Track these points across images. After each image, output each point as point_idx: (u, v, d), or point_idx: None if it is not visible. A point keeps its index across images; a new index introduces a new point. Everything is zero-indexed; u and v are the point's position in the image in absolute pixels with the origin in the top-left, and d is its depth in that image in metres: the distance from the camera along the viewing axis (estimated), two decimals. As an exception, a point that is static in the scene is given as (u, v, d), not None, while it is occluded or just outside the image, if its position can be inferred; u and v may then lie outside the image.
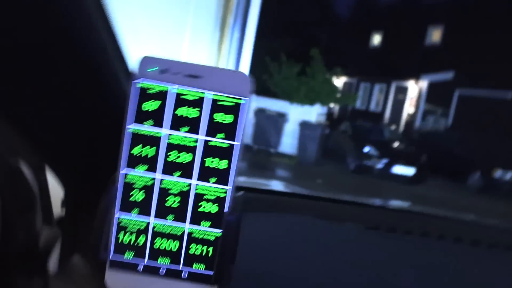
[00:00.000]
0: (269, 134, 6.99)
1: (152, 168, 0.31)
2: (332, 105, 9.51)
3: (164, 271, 0.32)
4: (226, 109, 0.31)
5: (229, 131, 0.31)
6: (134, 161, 0.31)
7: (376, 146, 7.05)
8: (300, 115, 7.36)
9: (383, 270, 0.61)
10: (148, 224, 0.32)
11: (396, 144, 7.79)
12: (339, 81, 10.74)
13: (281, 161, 6.62)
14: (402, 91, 11.50)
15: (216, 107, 0.31)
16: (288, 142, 7.06)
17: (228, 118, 0.31)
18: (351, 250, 0.65)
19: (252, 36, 3.55)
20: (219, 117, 0.31)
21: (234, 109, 0.31)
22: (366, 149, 6.99)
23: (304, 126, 7.08)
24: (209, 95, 0.31)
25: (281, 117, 7.19)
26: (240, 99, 0.31)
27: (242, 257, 0.55)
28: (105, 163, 0.36)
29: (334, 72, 8.25)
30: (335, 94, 8.44)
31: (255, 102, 7.22)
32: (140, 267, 0.32)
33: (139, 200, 0.32)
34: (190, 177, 0.31)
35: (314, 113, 7.73)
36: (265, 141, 7.00)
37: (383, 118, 11.55)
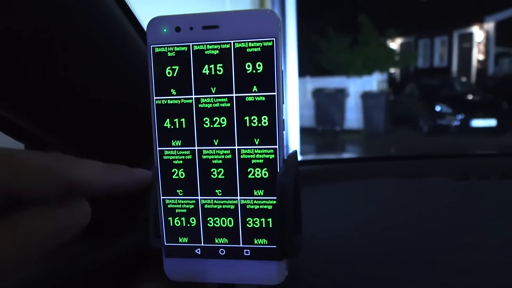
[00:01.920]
0: (331, 113, 6.78)
1: (188, 140, 0.28)
2: (392, 70, 9.04)
3: (224, 252, 0.29)
4: (254, 56, 0.27)
5: (263, 80, 0.27)
6: (168, 136, 0.28)
7: (448, 102, 6.57)
8: (359, 87, 7.07)
9: (480, 221, 0.53)
10: (196, 202, 0.29)
11: (470, 96, 7.19)
12: (394, 44, 10.18)
13: (349, 137, 6.40)
14: (467, 38, 10.59)
15: (243, 56, 0.27)
16: (353, 117, 6.82)
17: (259, 66, 0.27)
18: (439, 205, 0.58)
19: (294, 15, 3.45)
20: (249, 67, 0.27)
21: (264, 54, 0.27)
22: (438, 108, 6.54)
23: (366, 97, 6.78)
24: (232, 45, 0.27)
25: (340, 93, 6.95)
26: (268, 40, 0.26)
27: (317, 230, 0.51)
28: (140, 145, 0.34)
29: (388, 35, 7.83)
30: (393, 58, 8.02)
31: (311, 84, 7.06)
32: (198, 250, 0.29)
33: (182, 178, 0.29)
34: (231, 142, 0.28)
35: (374, 82, 7.39)
36: (329, 120, 6.81)
37: (451, 72, 10.73)
